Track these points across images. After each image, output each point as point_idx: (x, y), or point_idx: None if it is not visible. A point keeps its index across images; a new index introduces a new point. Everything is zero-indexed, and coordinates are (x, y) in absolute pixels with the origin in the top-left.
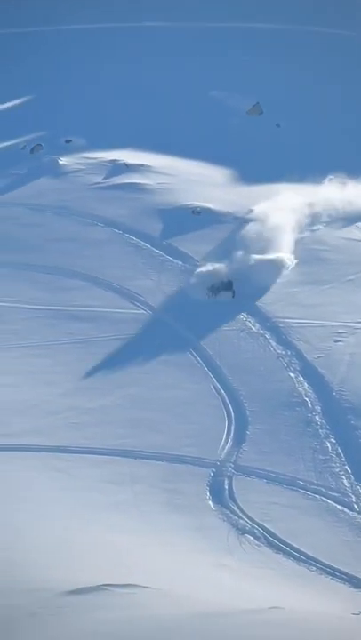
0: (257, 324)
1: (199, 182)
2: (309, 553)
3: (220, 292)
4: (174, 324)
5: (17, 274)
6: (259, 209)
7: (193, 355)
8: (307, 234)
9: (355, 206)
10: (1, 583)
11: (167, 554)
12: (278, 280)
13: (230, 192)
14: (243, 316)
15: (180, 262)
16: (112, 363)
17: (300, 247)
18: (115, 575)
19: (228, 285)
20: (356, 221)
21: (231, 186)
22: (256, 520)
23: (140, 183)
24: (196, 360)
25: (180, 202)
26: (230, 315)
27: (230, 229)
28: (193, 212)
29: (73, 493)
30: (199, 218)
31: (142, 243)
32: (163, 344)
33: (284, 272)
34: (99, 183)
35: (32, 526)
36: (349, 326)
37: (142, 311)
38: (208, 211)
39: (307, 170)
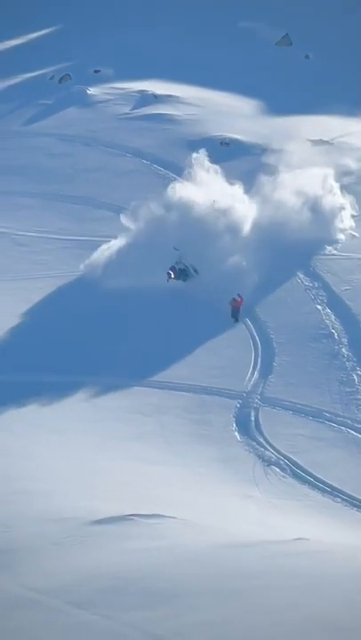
0: (286, 258)
1: (228, 113)
2: (335, 485)
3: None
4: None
5: (46, 204)
6: (290, 143)
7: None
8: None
9: None
10: (28, 512)
11: (193, 484)
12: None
13: (260, 124)
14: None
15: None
16: (138, 293)
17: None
18: (140, 505)
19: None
20: None
21: (260, 117)
22: (282, 452)
23: (168, 114)
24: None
25: (208, 133)
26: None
27: (259, 161)
28: (222, 143)
29: (101, 424)
30: (228, 149)
31: (170, 174)
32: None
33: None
34: (127, 114)
35: (60, 457)
36: None
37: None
38: (237, 142)
39: (338, 102)
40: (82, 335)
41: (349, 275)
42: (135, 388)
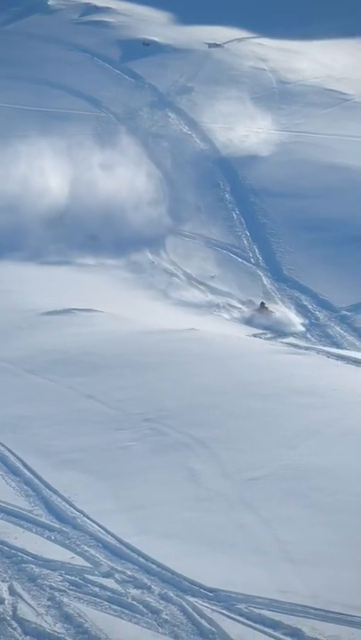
0: (186, 126)
1: (149, 22)
2: (216, 286)
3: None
4: (132, 123)
5: (17, 85)
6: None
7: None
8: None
9: None
10: (2, 305)
11: (117, 289)
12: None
13: (172, 30)
14: (174, 120)
15: (134, 80)
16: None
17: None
18: (78, 302)
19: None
20: None
21: (173, 25)
22: (180, 266)
23: (105, 21)
24: (142, 152)
25: (134, 35)
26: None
27: (173, 57)
28: (143, 43)
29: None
30: (148, 48)
31: (106, 65)
32: (121, 135)
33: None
34: (76, 19)
35: (22, 266)
36: (251, 130)
37: (104, 114)
38: (155, 43)
39: (229, 15)
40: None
41: (232, 140)
42: None
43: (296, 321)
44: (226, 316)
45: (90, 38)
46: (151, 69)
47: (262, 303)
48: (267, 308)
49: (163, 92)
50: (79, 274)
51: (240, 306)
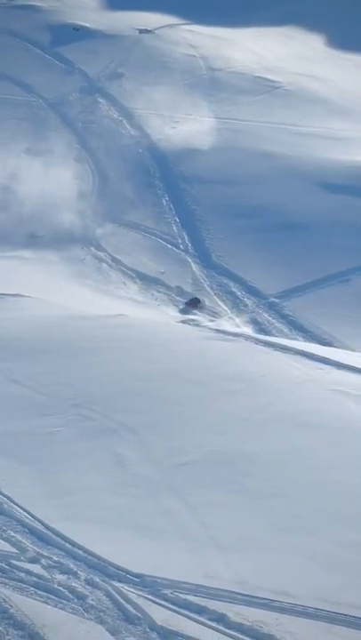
0: (116, 113)
1: (80, 7)
2: (143, 271)
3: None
4: (62, 109)
5: None
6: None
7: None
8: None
9: None
10: None
11: (46, 274)
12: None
13: (103, 15)
14: (104, 105)
15: (64, 65)
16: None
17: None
18: (6, 287)
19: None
20: None
21: (104, 11)
22: (110, 252)
23: (35, 5)
24: (72, 139)
25: (64, 20)
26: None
27: (103, 43)
28: (74, 28)
29: None
30: (78, 33)
31: (37, 50)
32: (51, 121)
33: None
34: (5, 3)
35: None
36: (182, 117)
37: (35, 99)
38: (85, 28)
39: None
40: None
41: (162, 127)
42: None
43: (238, 321)
44: (165, 307)
45: (20, 22)
46: (81, 55)
47: (196, 299)
48: (202, 304)
49: (93, 78)
50: (11, 265)
51: (169, 292)
